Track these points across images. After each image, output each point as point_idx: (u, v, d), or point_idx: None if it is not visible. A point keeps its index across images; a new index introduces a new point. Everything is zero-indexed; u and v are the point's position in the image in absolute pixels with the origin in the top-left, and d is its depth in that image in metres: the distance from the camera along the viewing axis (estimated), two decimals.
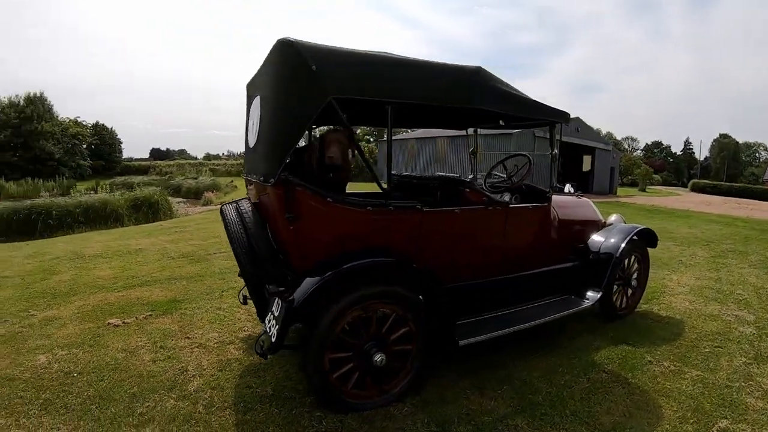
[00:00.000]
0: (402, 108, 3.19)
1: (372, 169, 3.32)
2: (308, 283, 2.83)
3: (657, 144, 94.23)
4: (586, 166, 27.22)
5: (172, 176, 32.38)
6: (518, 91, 3.67)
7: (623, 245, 4.66)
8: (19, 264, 7.25)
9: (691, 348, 4.18)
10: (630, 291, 5.04)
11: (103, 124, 42.68)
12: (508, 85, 3.58)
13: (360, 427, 2.92)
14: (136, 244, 8.77)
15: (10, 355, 3.84)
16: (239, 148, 46.87)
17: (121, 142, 45.27)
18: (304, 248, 2.98)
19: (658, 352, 4.08)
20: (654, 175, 57.18)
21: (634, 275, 5.07)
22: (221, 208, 3.72)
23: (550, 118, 4.04)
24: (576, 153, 26.94)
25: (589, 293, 4.53)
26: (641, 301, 5.37)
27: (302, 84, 2.81)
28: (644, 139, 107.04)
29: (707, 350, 4.14)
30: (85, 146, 36.95)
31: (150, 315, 4.82)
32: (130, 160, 52.34)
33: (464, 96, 3.28)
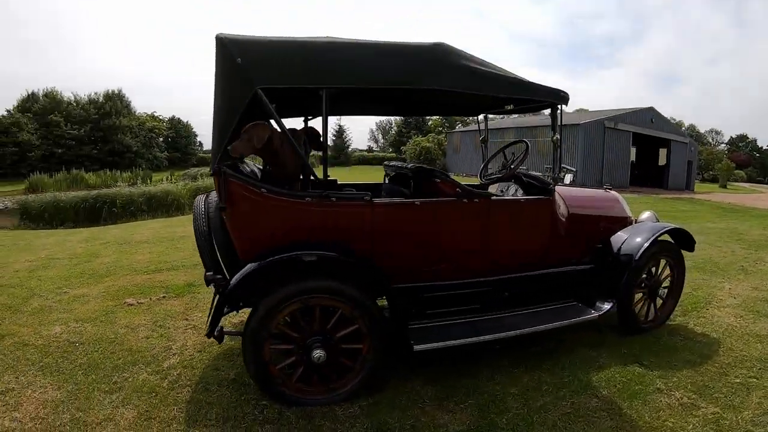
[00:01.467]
0: (353, 93, 3.01)
1: (304, 160, 3.09)
2: (241, 272, 2.73)
3: (742, 137, 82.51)
4: (662, 159, 24.61)
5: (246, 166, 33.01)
6: (498, 69, 3.15)
7: (645, 246, 3.84)
8: (72, 247, 7.67)
9: (718, 376, 3.31)
10: (659, 301, 4.20)
11: (179, 119, 43.77)
12: (484, 63, 3.09)
13: (297, 421, 2.74)
14: (182, 231, 8.94)
15: (33, 325, 4.13)
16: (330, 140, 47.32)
17: (197, 135, 46.35)
18: (242, 238, 2.90)
19: (674, 379, 3.27)
20: (737, 171, 50.29)
21: (664, 283, 4.22)
22: (195, 200, 3.57)
23: (542, 98, 3.40)
24: (651, 146, 24.44)
25: (599, 303, 3.78)
26: (676, 313, 4.50)
27: (231, 77, 2.75)
28: (729, 133, 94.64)
29: (737, 381, 3.26)
30: (161, 139, 38.23)
31: (164, 297, 4.92)
32: (208, 152, 52.70)
33: (414, 76, 2.89)
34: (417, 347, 2.92)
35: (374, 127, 52.72)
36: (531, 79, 3.31)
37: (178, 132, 39.62)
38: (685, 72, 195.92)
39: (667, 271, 4.24)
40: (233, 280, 2.72)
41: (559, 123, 3.52)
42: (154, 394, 3.01)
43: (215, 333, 2.78)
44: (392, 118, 52.27)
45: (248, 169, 3.36)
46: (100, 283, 5.38)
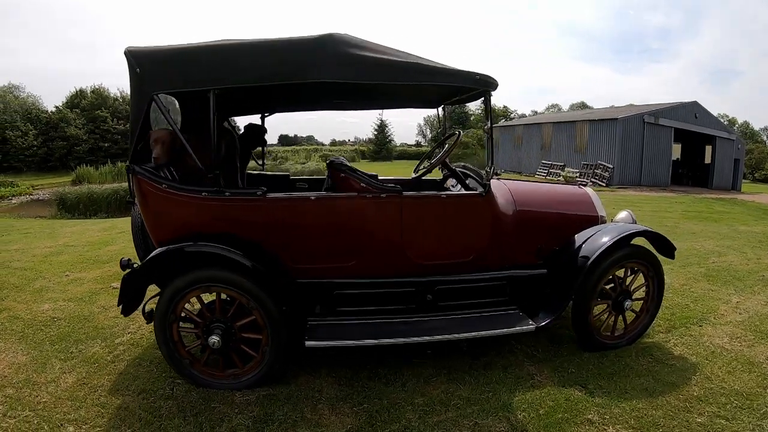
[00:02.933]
0: (251, 92, 3.08)
1: (192, 159, 2.88)
2: (145, 259, 2.83)
3: None
4: (708, 158, 22.26)
5: (283, 161, 32.79)
6: (407, 58, 2.85)
7: (601, 250, 3.14)
8: (91, 235, 7.77)
9: (677, 413, 2.58)
10: (628, 314, 3.45)
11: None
12: (388, 52, 2.82)
13: (197, 401, 2.74)
14: None
15: (28, 302, 4.39)
16: (366, 134, 46.06)
17: (241, 130, 45.08)
18: (152, 229, 2.98)
19: (616, 410, 2.59)
20: None
21: (637, 294, 3.47)
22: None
23: (461, 84, 2.95)
24: (697, 143, 22.07)
25: (543, 313, 3.14)
26: (658, 329, 3.73)
27: (134, 86, 2.86)
28: None
29: (700, 421, 2.51)
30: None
31: None
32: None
33: (300, 70, 2.73)
34: (308, 343, 2.77)
35: (422, 122, 51.55)
36: (462, 67, 2.93)
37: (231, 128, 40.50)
38: (742, 67, 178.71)
39: (641, 281, 3.49)
40: (140, 267, 2.83)
41: (490, 111, 3.09)
42: (96, 364, 3.20)
43: (144, 314, 2.87)
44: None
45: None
46: (100, 269, 5.46)
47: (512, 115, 43.72)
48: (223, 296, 2.84)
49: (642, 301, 3.51)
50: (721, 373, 3.04)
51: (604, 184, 17.77)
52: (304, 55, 2.73)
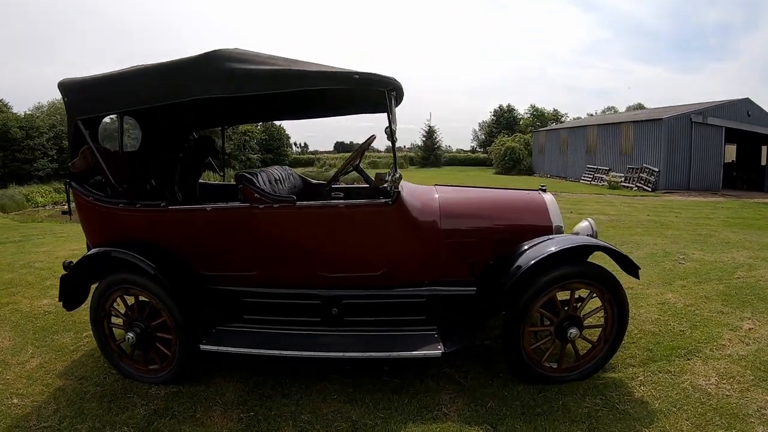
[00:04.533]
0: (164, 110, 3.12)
1: (105, 173, 2.97)
2: (75, 264, 2.97)
3: None
4: (765, 158, 19.19)
5: (329, 168, 32.21)
6: (292, 65, 2.63)
7: (528, 266, 2.49)
8: None
9: None
10: (583, 344, 2.75)
11: (272, 122, 42.36)
12: (273, 62, 2.64)
13: (119, 390, 2.86)
14: None
15: (33, 298, 4.58)
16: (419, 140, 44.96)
17: (290, 137, 44.72)
18: (87, 234, 3.18)
19: None
20: None
21: (590, 319, 2.76)
22: None
23: (341, 86, 2.62)
24: (752, 143, 19.16)
25: (461, 336, 2.62)
26: (632, 361, 2.97)
27: (65, 112, 3.05)
28: None
29: None
30: (254, 142, 37.83)
31: None
32: (315, 152, 52.71)
33: (184, 89, 2.71)
34: (202, 347, 2.73)
35: (477, 128, 49.57)
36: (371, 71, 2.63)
37: (271, 135, 40.15)
38: None
39: (598, 304, 2.75)
40: (71, 269, 2.97)
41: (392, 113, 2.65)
42: (60, 352, 3.40)
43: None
44: (487, 118, 49.33)
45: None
46: None
47: (563, 119, 41.06)
48: (142, 298, 2.88)
49: (601, 329, 2.78)
50: (686, 429, 2.27)
51: (649, 189, 15.93)
52: (188, 74, 2.70)
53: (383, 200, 2.67)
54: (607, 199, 12.59)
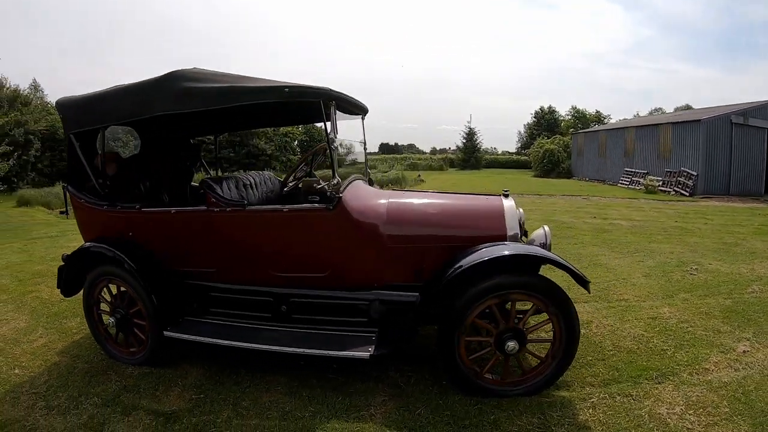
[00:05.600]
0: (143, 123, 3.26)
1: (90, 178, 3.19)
2: (68, 257, 3.23)
3: None
4: None
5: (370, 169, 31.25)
6: (237, 81, 2.67)
7: (456, 273, 2.30)
8: None
9: None
10: (531, 358, 2.45)
11: (312, 124, 42.94)
12: (223, 78, 2.69)
13: (102, 367, 3.06)
14: None
15: (53, 287, 4.60)
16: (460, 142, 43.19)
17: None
18: (81, 232, 3.40)
19: None
20: None
21: (530, 333, 2.48)
22: None
23: (272, 99, 2.59)
24: None
25: (393, 340, 2.51)
26: (596, 379, 2.60)
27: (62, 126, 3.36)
28: None
29: None
30: (296, 143, 36.63)
31: None
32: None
33: (149, 106, 2.83)
34: (166, 333, 2.83)
35: (522, 129, 47.17)
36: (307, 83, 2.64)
37: (312, 137, 39.66)
38: None
39: (544, 317, 2.41)
40: (65, 261, 3.22)
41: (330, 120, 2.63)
42: (64, 334, 3.66)
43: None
44: (528, 120, 47.10)
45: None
46: None
47: (605, 121, 38.52)
48: (122, 288, 3.03)
49: (551, 344, 2.44)
50: None
51: (687, 194, 14.44)
52: (152, 93, 2.81)
53: (325, 205, 2.57)
54: (638, 204, 11.57)
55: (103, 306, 3.16)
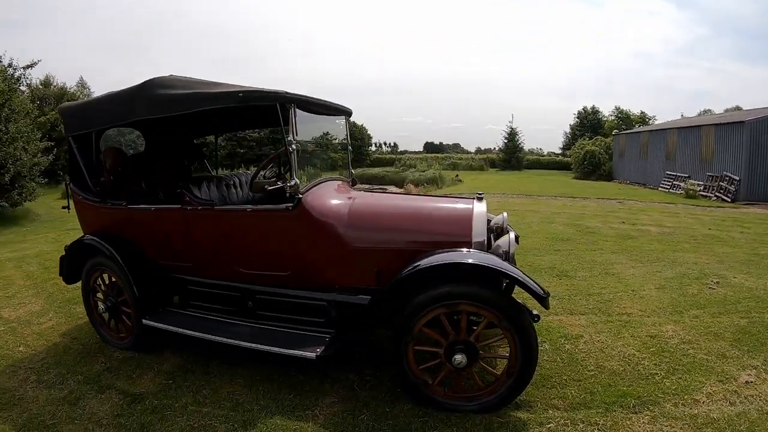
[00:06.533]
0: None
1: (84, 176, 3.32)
2: (67, 248, 3.34)
3: None
4: None
5: (406, 168, 29.28)
6: (205, 88, 2.65)
7: (399, 279, 2.15)
8: None
9: None
10: (482, 374, 2.23)
11: (353, 122, 36.90)
12: (193, 85, 2.69)
13: (95, 350, 3.20)
14: None
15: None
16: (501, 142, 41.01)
17: (371, 137, 41.92)
18: (81, 225, 3.48)
19: None
20: None
21: (483, 346, 2.27)
22: None
23: (226, 104, 2.54)
24: None
25: (344, 342, 2.43)
26: (564, 402, 2.30)
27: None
28: None
29: None
30: (336, 141, 38.16)
31: None
32: (404, 152, 49.75)
33: (131, 112, 2.90)
34: (144, 321, 2.88)
35: (568, 130, 44.34)
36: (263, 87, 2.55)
37: (353, 135, 39.50)
38: None
39: (499, 333, 2.14)
40: (65, 252, 3.34)
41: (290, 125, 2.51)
42: (70, 318, 3.81)
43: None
44: (572, 121, 44.40)
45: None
46: None
47: (650, 122, 35.62)
48: (113, 278, 3.11)
49: (508, 361, 2.16)
50: None
51: (729, 200, 12.88)
52: (133, 99, 2.87)
53: (284, 206, 2.49)
54: (673, 210, 10.51)
55: (99, 294, 3.25)
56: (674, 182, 16.76)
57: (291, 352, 2.32)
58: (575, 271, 4.83)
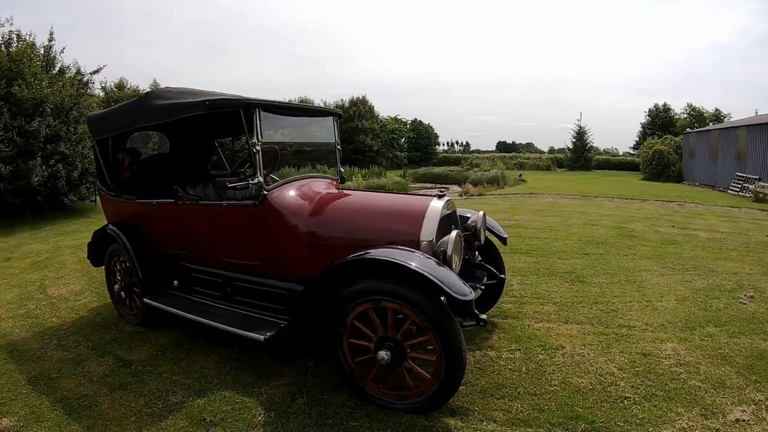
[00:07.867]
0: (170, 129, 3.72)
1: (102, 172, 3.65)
2: (93, 234, 3.63)
3: None
4: None
5: (470, 168, 26.53)
6: (193, 98, 2.75)
7: (323, 272, 2.14)
8: None
9: None
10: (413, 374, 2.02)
11: (420, 120, 37.22)
12: (181, 96, 2.84)
13: (108, 321, 3.49)
14: None
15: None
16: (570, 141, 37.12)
17: (437, 136, 38.93)
18: (106, 216, 3.77)
19: None
20: None
21: (408, 347, 2.04)
22: None
23: (202, 111, 2.61)
24: None
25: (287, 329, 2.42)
26: (500, 415, 2.08)
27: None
28: None
29: None
30: (403, 140, 34.07)
31: None
32: (477, 151, 47.16)
33: (132, 121, 3.15)
34: (145, 300, 3.07)
35: (639, 128, 39.40)
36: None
37: (419, 133, 35.44)
38: None
39: (427, 335, 1.94)
40: (92, 239, 3.63)
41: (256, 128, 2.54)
42: (102, 297, 4.02)
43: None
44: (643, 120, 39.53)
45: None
46: None
47: (724, 120, 30.52)
48: (126, 263, 3.32)
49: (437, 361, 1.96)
50: None
51: None
52: (135, 109, 3.10)
53: (252, 202, 2.56)
54: (734, 215, 8.92)
55: (117, 276, 3.50)
56: (744, 184, 14.28)
57: (244, 333, 2.38)
58: (593, 277, 4.28)
